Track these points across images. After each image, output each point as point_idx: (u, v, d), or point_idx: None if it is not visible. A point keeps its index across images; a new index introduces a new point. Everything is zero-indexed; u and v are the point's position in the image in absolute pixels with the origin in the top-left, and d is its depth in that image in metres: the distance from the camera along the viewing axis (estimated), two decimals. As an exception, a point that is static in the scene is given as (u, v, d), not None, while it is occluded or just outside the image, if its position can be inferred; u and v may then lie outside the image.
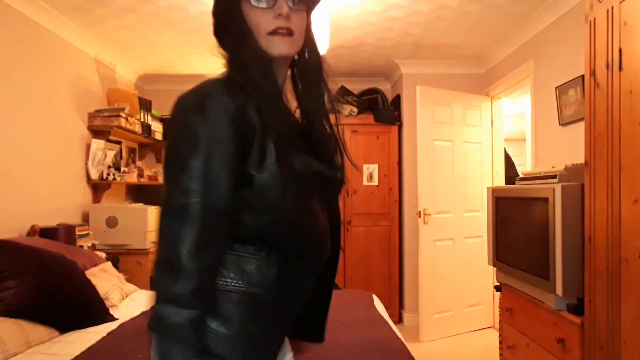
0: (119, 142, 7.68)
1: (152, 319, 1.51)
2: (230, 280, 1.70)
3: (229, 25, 1.85)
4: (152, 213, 6.89)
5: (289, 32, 1.79)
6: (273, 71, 1.85)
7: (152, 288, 1.56)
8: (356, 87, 9.17)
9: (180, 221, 1.55)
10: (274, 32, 1.78)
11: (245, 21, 1.80)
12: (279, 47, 1.80)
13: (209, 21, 1.89)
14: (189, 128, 1.63)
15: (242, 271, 1.72)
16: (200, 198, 1.56)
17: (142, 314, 4.82)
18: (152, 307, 1.52)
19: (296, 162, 1.72)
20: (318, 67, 1.98)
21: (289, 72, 2.00)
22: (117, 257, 6.51)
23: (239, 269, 1.71)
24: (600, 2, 3.70)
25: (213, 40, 1.89)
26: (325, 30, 5.30)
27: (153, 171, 8.21)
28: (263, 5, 1.77)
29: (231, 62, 1.83)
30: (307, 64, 1.96)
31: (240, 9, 1.80)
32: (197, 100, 1.65)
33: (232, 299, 1.69)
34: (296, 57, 1.97)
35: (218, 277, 1.68)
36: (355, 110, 8.79)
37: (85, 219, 6.82)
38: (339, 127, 2.00)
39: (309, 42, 1.95)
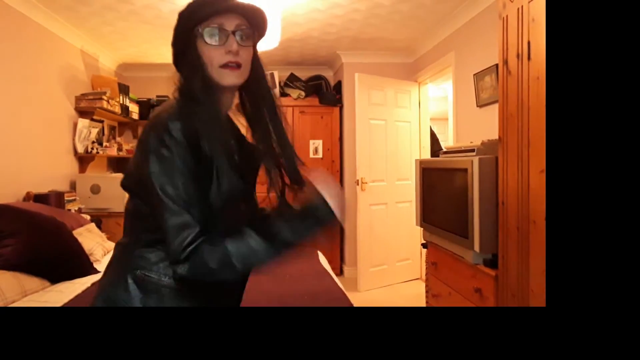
0: (102, 121, 7.65)
1: None
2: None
3: (185, 57, 1.88)
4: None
5: (238, 65, 1.85)
6: (220, 99, 1.91)
7: None
8: (304, 74, 9.12)
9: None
10: (225, 66, 1.84)
11: (200, 55, 1.84)
12: (229, 79, 1.85)
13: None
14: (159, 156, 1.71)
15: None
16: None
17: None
18: None
19: (224, 183, 1.76)
20: (266, 90, 2.02)
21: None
22: (100, 219, 6.56)
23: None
24: (512, 1, 3.70)
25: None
26: (277, 25, 5.29)
27: (130, 146, 8.11)
28: (215, 43, 1.82)
29: (183, 90, 1.86)
30: (254, 89, 1.99)
31: (196, 44, 1.84)
32: (160, 132, 1.71)
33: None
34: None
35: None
36: (303, 94, 8.77)
37: (73, 186, 6.83)
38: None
39: (256, 69, 1.98)
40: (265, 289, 4.14)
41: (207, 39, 1.82)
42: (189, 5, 1.87)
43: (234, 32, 1.83)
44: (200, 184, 1.72)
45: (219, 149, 1.76)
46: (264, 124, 2.00)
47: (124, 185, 1.90)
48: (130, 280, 1.80)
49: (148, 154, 1.71)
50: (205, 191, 1.74)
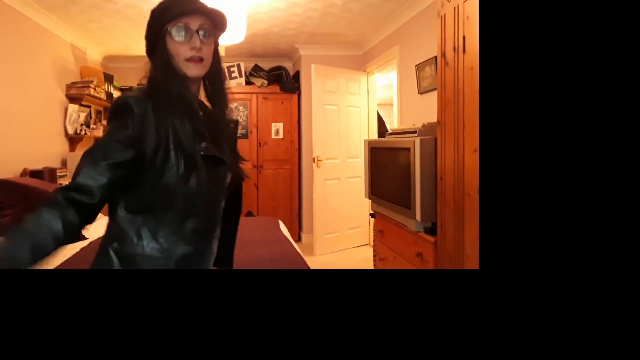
0: (89, 106, 7.59)
1: None
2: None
3: (156, 50, 1.93)
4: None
5: (200, 59, 1.91)
6: (188, 86, 1.95)
7: None
8: (266, 65, 9.03)
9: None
10: (190, 59, 1.89)
11: (168, 50, 1.89)
12: (192, 71, 1.91)
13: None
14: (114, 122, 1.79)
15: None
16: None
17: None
18: None
19: (195, 158, 1.84)
20: (220, 79, 2.08)
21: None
22: None
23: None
24: (449, 1, 3.70)
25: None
26: (243, 22, 5.24)
27: None
28: (181, 39, 1.88)
29: (151, 78, 1.93)
30: (214, 77, 2.05)
31: (165, 40, 1.90)
32: (120, 104, 1.80)
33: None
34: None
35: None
36: (266, 82, 8.73)
37: (64, 163, 6.79)
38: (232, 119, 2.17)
39: (215, 61, 2.02)
40: (232, 254, 4.14)
41: (175, 36, 1.87)
42: (160, 5, 1.94)
43: (197, 31, 1.89)
44: (165, 160, 1.79)
45: (189, 125, 1.85)
46: (218, 107, 2.07)
47: None
48: (111, 253, 1.84)
49: (109, 120, 1.81)
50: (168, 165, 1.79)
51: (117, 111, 1.79)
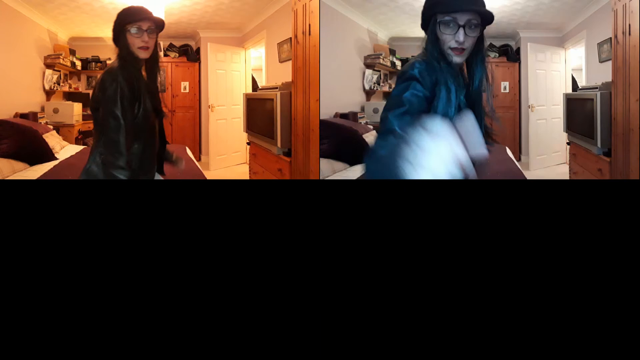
0: (59, 71, 7.28)
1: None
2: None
3: (119, 40, 2.02)
4: (77, 106, 6.90)
5: (148, 47, 2.03)
6: (140, 62, 2.05)
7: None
8: (177, 43, 8.48)
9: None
10: (141, 47, 2.00)
11: (127, 39, 1.99)
12: (142, 54, 2.02)
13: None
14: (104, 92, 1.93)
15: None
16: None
17: (70, 157, 4.81)
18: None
19: (145, 104, 2.01)
20: (157, 59, 2.21)
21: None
22: (58, 128, 6.40)
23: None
24: (300, 0, 3.62)
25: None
26: (162, 15, 5.15)
27: (74, 86, 7.82)
28: (136, 34, 1.98)
29: (119, 57, 2.02)
30: (154, 57, 2.14)
31: (125, 34, 1.99)
32: (104, 78, 1.95)
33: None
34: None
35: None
36: (177, 55, 8.31)
37: (43, 109, 6.66)
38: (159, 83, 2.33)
39: (155, 48, 2.11)
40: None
41: (132, 33, 1.98)
42: (123, 11, 2.04)
43: (146, 30, 2.00)
44: (129, 105, 1.93)
45: (141, 86, 2.00)
46: (152, 78, 2.17)
47: (91, 106, 2.09)
48: (98, 159, 1.96)
49: (100, 88, 1.93)
50: (133, 108, 1.95)
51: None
